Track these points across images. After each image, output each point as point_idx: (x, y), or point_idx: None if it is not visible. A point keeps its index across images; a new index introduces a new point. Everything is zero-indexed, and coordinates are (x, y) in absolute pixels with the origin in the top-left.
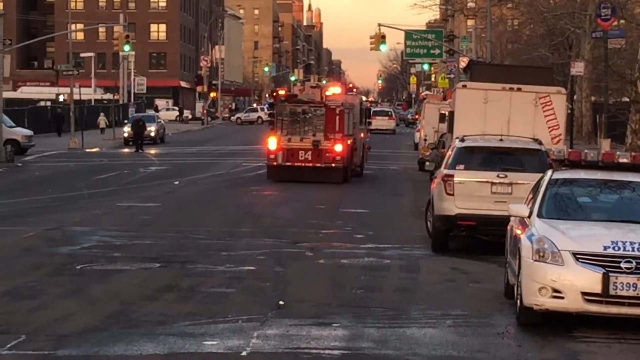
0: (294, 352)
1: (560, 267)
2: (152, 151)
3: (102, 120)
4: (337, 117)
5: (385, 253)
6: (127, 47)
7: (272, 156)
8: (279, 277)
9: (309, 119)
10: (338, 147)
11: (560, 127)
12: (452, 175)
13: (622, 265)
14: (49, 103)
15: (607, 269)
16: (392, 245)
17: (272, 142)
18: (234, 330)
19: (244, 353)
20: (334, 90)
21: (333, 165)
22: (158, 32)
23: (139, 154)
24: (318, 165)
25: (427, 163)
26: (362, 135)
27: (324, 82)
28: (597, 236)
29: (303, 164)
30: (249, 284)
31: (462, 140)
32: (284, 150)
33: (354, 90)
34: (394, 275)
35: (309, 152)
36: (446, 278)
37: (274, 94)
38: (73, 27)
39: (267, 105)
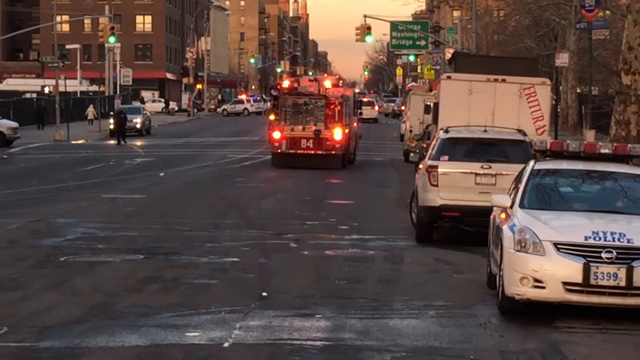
0: (276, 343)
1: (542, 257)
2: (138, 143)
3: (90, 111)
4: (337, 109)
5: (370, 244)
6: (112, 39)
7: (276, 144)
8: (263, 268)
9: (310, 110)
10: (337, 136)
11: (545, 118)
12: (436, 166)
13: (603, 255)
14: (34, 95)
15: (587, 259)
16: (377, 237)
17: (276, 132)
18: (216, 321)
19: (226, 344)
20: (329, 83)
21: (333, 152)
22: (144, 23)
23: (121, 146)
24: (319, 152)
25: (412, 154)
26: (355, 124)
27: (310, 73)
28: (578, 226)
29: (305, 152)
30: (232, 276)
31: (446, 131)
32: (287, 139)
33: (341, 82)
34: (377, 266)
35: (311, 141)
36: (430, 269)
37: (278, 86)
38: (58, 18)
39: (270, 96)
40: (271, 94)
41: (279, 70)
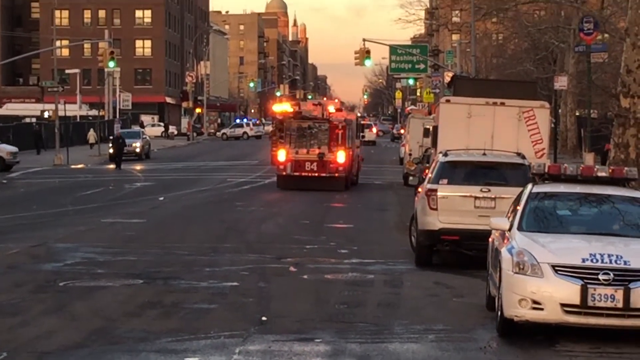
0: None
1: (540, 279)
2: (137, 167)
3: (91, 135)
4: (340, 132)
5: (369, 268)
6: (112, 64)
7: (281, 167)
8: (262, 292)
9: (314, 134)
10: (340, 159)
11: (544, 141)
12: (436, 190)
13: (600, 277)
14: (34, 119)
15: (585, 280)
16: (376, 260)
17: (281, 155)
18: (216, 346)
19: None
20: (335, 108)
21: (336, 175)
22: (143, 48)
23: (120, 171)
24: (323, 175)
25: (411, 178)
26: (357, 147)
27: (310, 97)
28: (576, 249)
29: (309, 174)
30: (232, 300)
31: (446, 154)
32: (292, 161)
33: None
34: (377, 290)
35: (315, 163)
36: (429, 293)
37: (281, 114)
38: (58, 43)
39: (273, 120)
40: (276, 117)
41: (278, 94)
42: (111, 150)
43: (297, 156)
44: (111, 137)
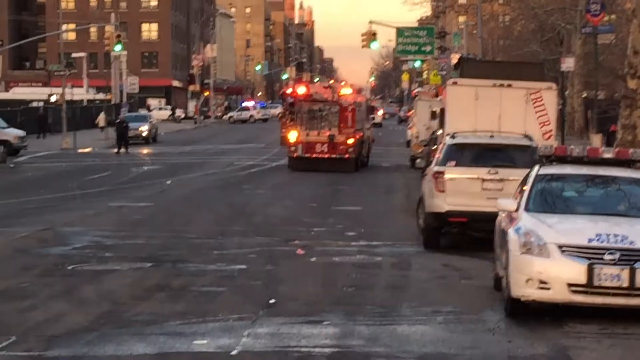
0: (284, 350)
1: (547, 259)
2: (144, 151)
3: (102, 119)
4: (349, 114)
5: (377, 250)
6: (118, 47)
7: (292, 148)
8: (270, 275)
9: (325, 116)
10: (350, 141)
11: (552, 122)
12: (443, 172)
13: (606, 257)
14: (41, 104)
15: (591, 260)
16: (384, 243)
17: (292, 136)
18: (224, 329)
19: (234, 352)
20: (345, 91)
21: (346, 156)
22: (150, 31)
23: (124, 155)
24: (333, 156)
25: (418, 160)
26: (368, 129)
27: (317, 80)
28: (582, 229)
29: (320, 156)
30: (240, 283)
31: (453, 137)
32: (303, 143)
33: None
34: (385, 272)
35: (325, 145)
36: (437, 275)
37: (293, 94)
38: (64, 27)
39: (284, 102)
40: (286, 100)
41: (285, 76)
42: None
43: (308, 138)
44: (117, 121)
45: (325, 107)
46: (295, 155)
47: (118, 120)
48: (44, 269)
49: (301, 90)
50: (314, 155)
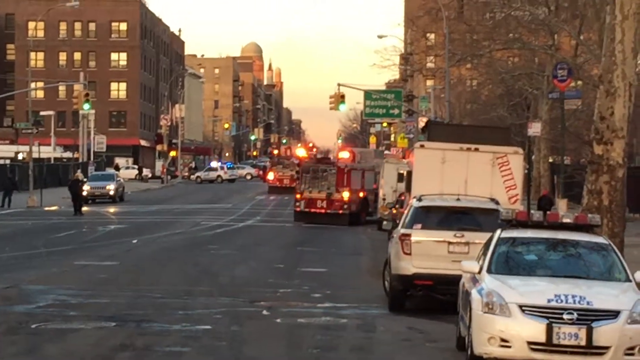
0: None
1: (508, 318)
2: (111, 209)
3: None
4: (345, 175)
5: (343, 312)
6: (87, 106)
7: (297, 204)
8: (235, 336)
9: (324, 176)
10: (345, 198)
11: (518, 187)
12: (409, 235)
13: (565, 316)
14: (8, 161)
15: (550, 320)
16: (350, 305)
17: (298, 194)
18: None
19: None
20: (342, 155)
21: (340, 212)
22: (118, 90)
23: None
24: (330, 211)
25: (385, 222)
26: (366, 190)
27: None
28: (542, 290)
29: (319, 211)
30: (204, 344)
31: (420, 199)
32: (305, 199)
33: (314, 150)
34: (350, 334)
35: (324, 202)
36: (402, 337)
37: (299, 157)
38: (33, 85)
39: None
40: (299, 162)
41: (252, 137)
42: (85, 193)
43: (310, 195)
44: (85, 180)
45: (325, 168)
46: (298, 209)
47: (71, 180)
48: (8, 327)
49: (303, 152)
50: (313, 210)
